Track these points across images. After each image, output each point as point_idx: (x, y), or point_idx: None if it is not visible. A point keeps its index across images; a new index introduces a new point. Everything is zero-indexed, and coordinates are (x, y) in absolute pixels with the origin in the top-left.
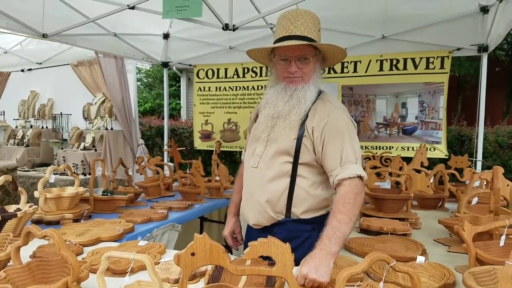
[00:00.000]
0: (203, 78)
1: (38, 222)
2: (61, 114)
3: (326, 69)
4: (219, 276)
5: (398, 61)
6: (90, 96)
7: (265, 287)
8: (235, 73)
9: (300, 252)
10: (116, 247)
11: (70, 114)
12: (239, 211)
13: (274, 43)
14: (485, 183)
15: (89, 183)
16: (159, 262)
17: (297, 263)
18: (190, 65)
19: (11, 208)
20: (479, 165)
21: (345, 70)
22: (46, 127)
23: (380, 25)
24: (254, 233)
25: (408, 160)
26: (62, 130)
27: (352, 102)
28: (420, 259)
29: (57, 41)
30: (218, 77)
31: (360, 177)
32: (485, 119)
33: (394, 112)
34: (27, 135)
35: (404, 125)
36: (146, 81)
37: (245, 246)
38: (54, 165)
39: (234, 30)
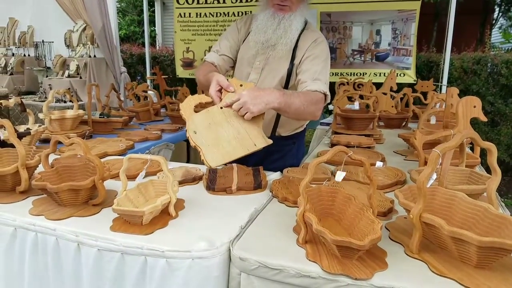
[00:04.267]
0: (183, 3)
1: (45, 141)
2: (43, 41)
3: None
4: (215, 179)
5: None
6: (71, 23)
7: (253, 185)
8: None
9: (282, 162)
10: (125, 159)
11: (52, 42)
12: None
13: None
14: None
15: (87, 106)
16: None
17: (280, 169)
18: None
19: (21, 128)
20: (444, 89)
21: None
22: (29, 55)
23: None
24: None
25: (380, 85)
26: (45, 58)
27: (330, 29)
28: (379, 164)
29: None
30: (198, 2)
31: (324, 95)
32: (459, 45)
33: (368, 39)
34: (10, 63)
35: (378, 52)
36: (119, 6)
37: None
38: (40, 93)
39: None
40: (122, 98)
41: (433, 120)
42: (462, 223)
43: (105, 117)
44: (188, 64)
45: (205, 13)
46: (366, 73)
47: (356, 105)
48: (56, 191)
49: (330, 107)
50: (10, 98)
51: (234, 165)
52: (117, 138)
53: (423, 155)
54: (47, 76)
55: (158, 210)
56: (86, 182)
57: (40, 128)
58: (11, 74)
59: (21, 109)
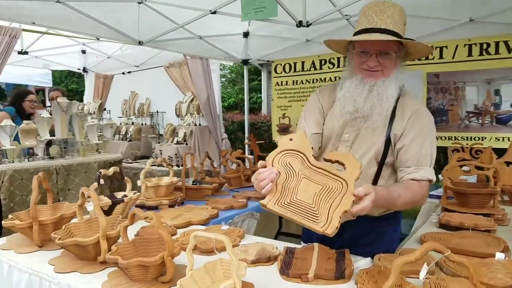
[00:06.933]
0: (281, 72)
1: (140, 206)
2: (157, 112)
3: None
4: (290, 261)
5: (489, 45)
6: (181, 95)
7: (335, 275)
8: (312, 66)
9: (375, 246)
10: (203, 230)
11: (165, 112)
12: None
13: (355, 34)
14: None
15: (182, 174)
16: (238, 245)
17: (371, 255)
18: (268, 61)
19: (119, 195)
20: None
21: (430, 56)
22: (145, 124)
23: (467, 7)
24: None
25: (503, 152)
26: (159, 126)
27: (439, 89)
28: (500, 255)
29: (150, 46)
30: (295, 70)
31: (430, 181)
32: None
33: (486, 100)
34: (130, 131)
35: (498, 114)
36: (229, 76)
37: (309, 237)
38: (153, 158)
39: (308, 26)
40: (215, 165)
41: None
42: None
43: (198, 184)
44: (284, 130)
45: (301, 80)
46: (485, 138)
47: (473, 177)
48: (126, 267)
49: (440, 176)
50: (128, 162)
51: (316, 245)
52: (203, 206)
53: None
54: (159, 143)
55: None
56: (155, 259)
57: (134, 196)
58: (130, 140)
59: (120, 177)
